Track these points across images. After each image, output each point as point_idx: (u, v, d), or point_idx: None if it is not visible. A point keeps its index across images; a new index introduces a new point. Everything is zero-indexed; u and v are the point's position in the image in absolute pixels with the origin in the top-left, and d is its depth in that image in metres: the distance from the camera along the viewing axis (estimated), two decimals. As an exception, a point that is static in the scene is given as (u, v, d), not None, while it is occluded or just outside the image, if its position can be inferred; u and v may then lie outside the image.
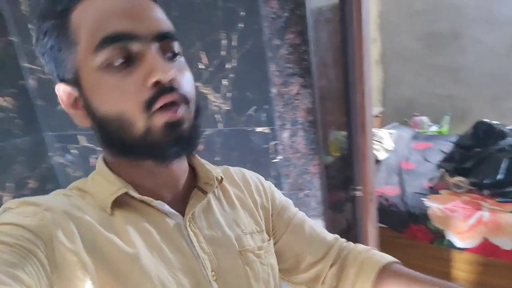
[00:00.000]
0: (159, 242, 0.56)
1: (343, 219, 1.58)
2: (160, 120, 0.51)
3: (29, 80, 1.57)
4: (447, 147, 2.96)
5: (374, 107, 4.11)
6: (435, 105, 4.12)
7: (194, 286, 0.56)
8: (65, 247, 0.47)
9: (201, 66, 1.31)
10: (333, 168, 1.46)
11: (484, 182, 2.33)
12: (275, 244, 0.76)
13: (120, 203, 0.56)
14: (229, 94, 1.31)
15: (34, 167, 1.62)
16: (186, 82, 0.55)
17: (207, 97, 1.33)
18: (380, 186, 2.68)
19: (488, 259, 2.09)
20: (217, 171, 0.68)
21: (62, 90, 0.55)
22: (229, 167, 0.78)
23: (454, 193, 2.40)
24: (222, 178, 0.69)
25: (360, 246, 0.79)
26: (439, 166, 2.79)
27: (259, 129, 1.30)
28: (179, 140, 0.53)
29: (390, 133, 3.41)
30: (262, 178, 0.82)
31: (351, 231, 1.57)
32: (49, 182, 1.67)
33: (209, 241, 0.61)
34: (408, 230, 2.38)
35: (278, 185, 1.34)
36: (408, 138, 3.60)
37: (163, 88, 0.51)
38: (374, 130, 3.34)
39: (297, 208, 0.82)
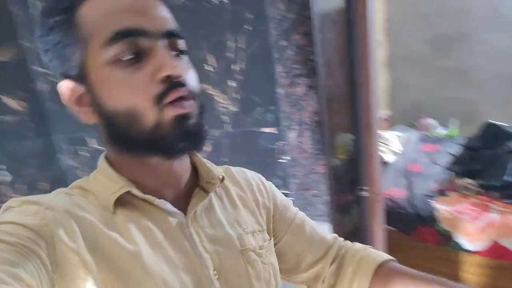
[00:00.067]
0: (161, 240, 0.56)
1: (350, 219, 1.58)
2: (170, 113, 0.52)
3: (40, 83, 1.60)
4: (456, 149, 2.95)
5: (381, 110, 4.11)
6: (443, 108, 4.09)
7: (196, 285, 0.56)
8: (66, 246, 0.48)
9: (208, 68, 1.32)
10: (339, 168, 1.47)
11: (493, 184, 2.31)
12: (276, 244, 0.76)
13: (122, 201, 0.56)
14: (236, 96, 1.32)
15: (45, 169, 1.64)
16: (192, 79, 0.57)
17: (214, 99, 1.35)
18: (388, 188, 2.67)
19: (498, 262, 2.07)
20: (218, 170, 0.69)
21: (65, 87, 0.55)
22: (231, 166, 0.78)
23: (463, 195, 2.38)
24: (223, 177, 0.69)
25: (357, 245, 0.80)
26: (447, 169, 2.77)
27: (266, 130, 1.31)
28: (187, 134, 0.54)
29: (398, 136, 3.40)
30: (263, 178, 0.82)
31: (358, 231, 1.57)
32: (59, 184, 1.69)
33: (211, 240, 0.62)
34: (416, 232, 2.37)
35: (285, 186, 1.35)
36: (416, 141, 3.59)
37: (173, 83, 0.52)
38: (381, 132, 3.35)
39: (297, 208, 0.83)
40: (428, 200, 2.41)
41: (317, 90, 1.21)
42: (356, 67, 1.34)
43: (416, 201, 2.45)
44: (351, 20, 1.31)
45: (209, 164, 0.68)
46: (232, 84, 1.31)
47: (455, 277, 2.20)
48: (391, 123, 4.33)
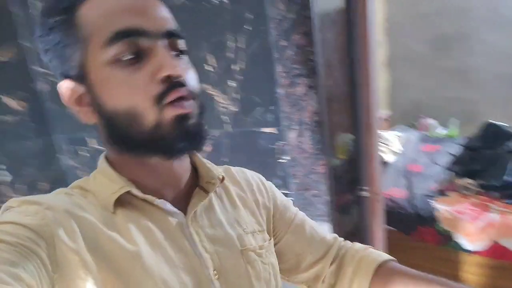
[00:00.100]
0: (161, 240, 0.56)
1: (350, 219, 1.58)
2: (170, 113, 0.52)
3: (40, 83, 1.60)
4: (456, 149, 2.95)
5: (381, 110, 4.11)
6: (443, 108, 4.10)
7: (196, 285, 0.56)
8: (66, 246, 0.48)
9: (208, 68, 1.32)
10: (339, 168, 1.47)
11: (493, 184, 2.32)
12: (276, 244, 0.76)
13: (122, 201, 0.56)
14: (236, 96, 1.32)
15: (45, 169, 1.64)
16: (192, 79, 0.57)
17: (214, 99, 1.35)
18: (388, 188, 2.67)
19: (498, 262, 2.07)
20: (218, 170, 0.68)
21: (65, 87, 0.55)
22: (230, 166, 0.78)
23: (463, 195, 2.38)
24: (223, 177, 0.69)
25: (357, 245, 0.80)
26: (447, 169, 2.78)
27: (266, 130, 1.32)
28: (188, 134, 0.54)
29: (398, 136, 3.41)
30: (263, 178, 0.82)
31: (358, 231, 1.57)
32: (59, 184, 1.69)
33: (211, 240, 0.62)
34: (416, 232, 2.37)
35: (285, 186, 1.35)
36: (416, 141, 3.59)
37: (173, 83, 0.52)
38: (381, 132, 3.35)
39: (297, 208, 0.83)
40: (428, 200, 2.41)
41: (317, 90, 1.21)
42: (356, 67, 1.34)
43: (416, 201, 2.45)
44: (351, 20, 1.31)
45: (209, 164, 0.68)
46: (232, 84, 1.31)
47: (455, 277, 2.21)
48: (391, 123, 4.33)
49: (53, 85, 1.58)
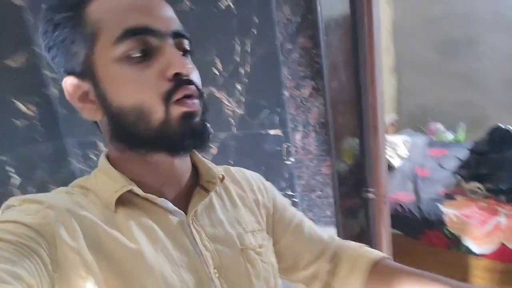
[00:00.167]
0: (162, 239, 0.56)
1: (356, 221, 1.58)
2: (178, 111, 0.53)
3: (51, 88, 1.63)
4: (463, 153, 2.95)
5: (388, 115, 4.11)
6: (451, 112, 4.09)
7: (197, 283, 0.57)
8: (67, 245, 0.48)
9: (215, 71, 1.35)
10: (345, 171, 1.48)
11: (500, 187, 2.31)
12: (276, 243, 0.77)
13: (123, 200, 0.56)
14: (242, 98, 1.34)
15: (55, 172, 1.67)
16: (197, 78, 0.58)
17: (221, 101, 1.37)
18: (395, 192, 2.68)
19: (506, 265, 2.07)
20: (218, 169, 0.69)
21: (69, 83, 0.55)
22: (230, 167, 0.79)
23: (470, 199, 2.38)
24: (223, 177, 0.69)
25: (353, 244, 0.81)
26: (454, 173, 2.77)
27: (272, 132, 1.33)
28: (193, 132, 0.55)
29: (405, 142, 3.41)
30: (263, 178, 0.83)
31: (363, 233, 1.58)
32: (69, 186, 1.71)
33: (211, 238, 0.62)
34: (424, 236, 2.37)
35: (291, 187, 1.37)
36: (423, 145, 3.59)
37: (181, 81, 0.53)
38: (388, 137, 3.35)
39: (295, 208, 0.84)
40: (436, 204, 2.41)
41: (323, 92, 1.23)
42: (362, 69, 1.35)
43: (423, 205, 2.45)
44: (356, 22, 1.32)
45: (209, 163, 0.68)
46: (239, 87, 1.33)
47: (463, 281, 2.18)
48: (398, 128, 4.33)
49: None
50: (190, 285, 0.55)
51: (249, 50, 1.28)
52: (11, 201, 0.52)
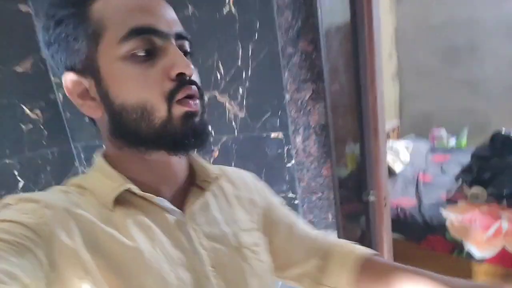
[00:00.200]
0: (159, 237, 0.56)
1: (357, 223, 1.60)
2: (180, 110, 0.54)
3: (60, 94, 1.67)
4: (465, 159, 2.95)
5: (391, 120, 4.13)
6: (453, 119, 4.10)
7: (194, 281, 0.57)
8: (65, 245, 0.47)
9: (218, 75, 1.37)
10: (346, 173, 1.49)
11: (502, 192, 2.31)
12: (270, 243, 0.77)
13: (120, 199, 0.56)
14: (245, 102, 1.36)
15: (61, 176, 1.69)
16: (198, 79, 0.59)
17: (224, 105, 1.39)
18: (397, 197, 2.68)
19: (508, 270, 2.06)
20: (214, 169, 0.69)
21: (70, 79, 0.55)
22: (226, 166, 0.80)
23: (472, 204, 2.39)
24: (219, 176, 0.69)
25: (344, 241, 0.82)
26: (457, 178, 2.78)
27: (273, 135, 1.35)
28: (194, 132, 0.56)
29: (407, 147, 3.42)
30: (257, 178, 0.84)
31: (364, 236, 1.58)
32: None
33: (207, 237, 0.62)
34: (426, 241, 2.37)
35: (292, 189, 1.38)
36: (426, 151, 3.60)
37: (184, 81, 0.54)
38: (390, 142, 3.36)
39: (288, 207, 0.85)
40: (438, 209, 2.41)
41: (323, 95, 1.25)
42: (362, 72, 1.37)
43: (425, 210, 2.46)
44: (357, 26, 1.34)
45: (204, 163, 0.69)
46: (241, 90, 1.35)
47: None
48: (401, 133, 4.34)
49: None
50: (187, 283, 0.56)
51: (250, 54, 1.30)
52: (7, 199, 0.51)
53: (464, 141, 3.82)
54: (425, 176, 3.01)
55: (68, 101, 1.64)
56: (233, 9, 1.29)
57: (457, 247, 2.23)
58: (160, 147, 0.56)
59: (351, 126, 1.48)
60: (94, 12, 0.53)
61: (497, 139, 2.65)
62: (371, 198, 1.48)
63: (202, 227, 0.63)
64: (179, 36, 0.57)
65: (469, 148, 3.30)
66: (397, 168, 3.12)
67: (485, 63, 3.88)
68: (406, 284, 0.67)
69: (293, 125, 1.30)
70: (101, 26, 0.52)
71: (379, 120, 1.41)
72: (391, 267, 0.71)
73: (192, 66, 0.56)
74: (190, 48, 0.60)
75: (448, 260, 2.26)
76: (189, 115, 0.55)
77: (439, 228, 2.31)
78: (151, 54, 0.54)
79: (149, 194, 0.57)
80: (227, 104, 1.38)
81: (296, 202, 1.38)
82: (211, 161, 1.46)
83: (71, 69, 0.55)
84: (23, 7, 1.55)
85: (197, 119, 0.56)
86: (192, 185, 0.66)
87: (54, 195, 0.54)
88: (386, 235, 1.57)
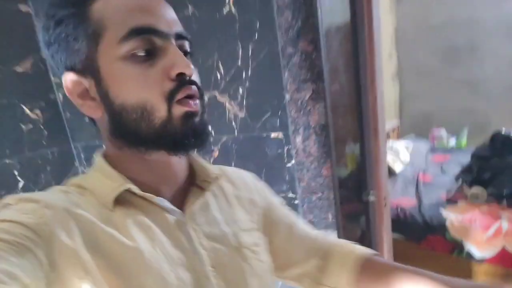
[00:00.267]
0: (159, 237, 0.56)
1: (356, 223, 1.60)
2: (180, 110, 0.54)
3: (60, 94, 1.67)
4: (465, 159, 2.95)
5: (391, 120, 4.13)
6: (453, 118, 4.10)
7: (194, 281, 0.57)
8: (65, 245, 0.47)
9: (218, 75, 1.37)
10: (346, 173, 1.49)
11: (502, 192, 2.32)
12: (270, 243, 0.77)
13: (120, 199, 0.56)
14: (245, 102, 1.36)
15: (61, 176, 1.69)
16: (198, 79, 0.59)
17: (224, 105, 1.39)
18: (397, 197, 2.68)
19: (508, 270, 2.06)
20: (214, 169, 0.69)
21: (70, 79, 0.55)
22: (225, 166, 0.80)
23: (472, 204, 2.39)
24: (219, 176, 0.69)
25: (344, 241, 0.82)
26: (457, 178, 2.78)
27: (273, 135, 1.35)
28: (195, 132, 0.56)
29: (407, 147, 3.42)
30: (257, 178, 0.84)
31: (364, 235, 1.59)
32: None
33: (208, 237, 0.62)
34: (426, 241, 2.37)
35: (292, 189, 1.38)
36: (426, 151, 3.61)
37: (184, 81, 0.54)
38: (390, 142, 3.36)
39: (288, 208, 0.85)
40: (438, 209, 2.42)
41: (323, 95, 1.25)
42: (362, 72, 1.37)
43: (425, 210, 2.46)
44: (356, 26, 1.34)
45: (204, 163, 0.69)
46: (241, 90, 1.35)
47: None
48: (401, 133, 4.35)
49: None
50: (187, 283, 0.56)
51: (250, 54, 1.31)
52: (7, 199, 0.50)
53: (464, 141, 3.82)
54: (425, 176, 3.01)
55: (68, 101, 1.64)
56: (233, 9, 1.29)
57: (457, 247, 2.23)
58: (160, 147, 0.56)
59: (351, 126, 1.49)
60: (94, 12, 0.53)
61: (497, 139, 2.65)
62: (371, 198, 1.48)
63: (202, 227, 0.63)
64: (179, 36, 0.57)
65: (469, 148, 3.31)
66: (397, 168, 3.12)
67: (485, 63, 3.88)
68: (406, 284, 0.67)
69: (293, 125, 1.31)
70: (101, 26, 0.52)
71: (379, 120, 1.41)
72: (391, 267, 0.71)
73: (192, 66, 0.56)
74: (190, 48, 0.60)
75: (448, 260, 2.26)
76: (189, 115, 0.55)
77: (439, 228, 2.31)
78: (151, 54, 0.54)
79: (149, 194, 0.57)
80: (227, 104, 1.38)
81: (296, 202, 1.39)
82: (211, 161, 1.46)
83: (71, 69, 0.55)
84: (23, 7, 1.55)
85: (197, 119, 0.56)
86: (192, 185, 0.66)
87: (54, 195, 0.54)
88: (386, 235, 1.57)
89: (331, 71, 1.28)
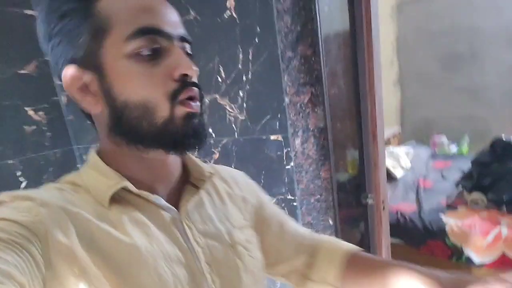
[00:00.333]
0: (156, 234, 0.57)
1: (355, 225, 1.60)
2: (182, 111, 0.55)
3: (62, 96, 1.69)
4: (466, 165, 2.96)
5: (392, 127, 4.14)
6: (454, 126, 4.11)
7: (189, 278, 0.58)
8: (60, 243, 0.47)
9: (219, 78, 1.39)
10: (344, 175, 1.50)
11: (502, 198, 2.32)
12: (261, 239, 0.78)
13: (115, 197, 0.56)
14: (245, 105, 1.37)
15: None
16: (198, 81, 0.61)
17: (224, 108, 1.41)
18: (397, 203, 2.69)
19: (508, 275, 2.06)
20: (207, 167, 0.70)
21: (70, 73, 0.54)
22: (217, 165, 0.82)
23: (472, 210, 2.39)
24: (212, 174, 0.70)
25: (330, 237, 0.85)
26: (457, 184, 2.79)
27: (272, 137, 1.36)
28: (195, 132, 0.57)
29: (407, 153, 3.43)
30: (248, 177, 0.85)
31: (362, 238, 1.59)
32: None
33: (202, 234, 0.63)
34: (426, 246, 2.37)
35: (291, 191, 1.39)
36: (426, 157, 3.61)
37: (187, 82, 0.56)
38: (391, 148, 3.37)
39: (277, 206, 0.87)
40: (438, 214, 2.42)
41: (322, 98, 1.26)
42: (361, 76, 1.39)
43: (425, 215, 2.46)
44: (355, 31, 1.36)
45: (197, 161, 0.70)
46: (241, 94, 1.37)
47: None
48: (402, 140, 4.35)
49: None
50: (182, 280, 0.57)
51: (251, 58, 1.32)
52: (2, 197, 0.50)
53: (465, 148, 3.83)
54: (426, 182, 3.01)
55: (71, 103, 1.66)
56: (234, 14, 1.31)
57: (456, 252, 2.23)
58: (160, 145, 0.57)
59: (350, 130, 1.50)
60: (101, 8, 0.53)
61: (497, 145, 2.66)
62: (369, 201, 1.49)
63: (197, 224, 0.64)
64: (182, 39, 0.58)
65: (471, 155, 3.31)
66: (398, 173, 3.12)
67: (486, 71, 3.89)
68: (391, 277, 0.68)
69: (292, 128, 1.32)
70: (108, 23, 0.53)
71: (378, 125, 1.43)
72: (376, 262, 0.74)
73: (195, 68, 0.58)
74: (191, 51, 0.62)
75: (448, 265, 2.26)
76: (190, 116, 0.56)
77: (439, 233, 2.31)
78: (156, 54, 0.55)
79: (145, 192, 0.58)
80: (227, 106, 1.40)
81: (295, 204, 1.39)
82: (212, 163, 1.47)
83: (72, 63, 0.55)
84: (27, 10, 1.57)
85: (197, 120, 0.57)
86: (186, 183, 0.67)
87: (49, 192, 0.54)
88: (385, 239, 1.58)
89: (330, 75, 1.29)
